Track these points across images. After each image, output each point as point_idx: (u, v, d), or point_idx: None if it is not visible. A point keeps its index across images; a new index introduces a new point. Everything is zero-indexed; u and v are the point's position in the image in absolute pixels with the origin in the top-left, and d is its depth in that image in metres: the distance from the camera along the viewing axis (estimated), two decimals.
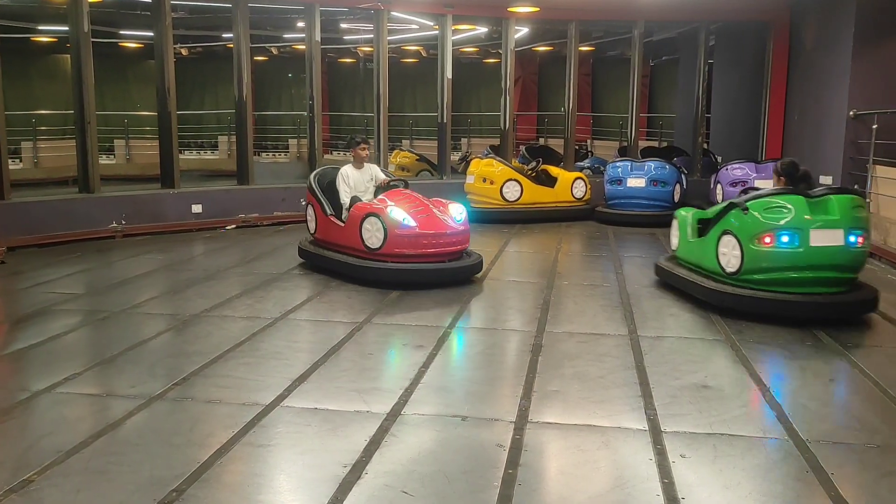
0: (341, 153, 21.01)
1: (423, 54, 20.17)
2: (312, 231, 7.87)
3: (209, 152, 20.04)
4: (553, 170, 11.72)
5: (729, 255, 5.96)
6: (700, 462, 3.49)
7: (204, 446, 3.60)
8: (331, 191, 7.67)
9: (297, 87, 21.88)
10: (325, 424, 3.87)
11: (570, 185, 11.42)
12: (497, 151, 12.63)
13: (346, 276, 7.07)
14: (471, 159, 12.42)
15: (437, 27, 12.44)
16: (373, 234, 6.86)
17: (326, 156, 17.53)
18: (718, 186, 10.98)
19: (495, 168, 11.14)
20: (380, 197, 7.29)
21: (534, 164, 11.63)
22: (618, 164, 11.59)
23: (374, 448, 3.57)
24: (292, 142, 20.16)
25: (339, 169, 7.68)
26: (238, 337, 5.35)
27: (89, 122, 9.66)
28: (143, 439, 3.71)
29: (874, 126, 8.90)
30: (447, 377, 4.72)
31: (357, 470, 3.35)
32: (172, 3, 10.48)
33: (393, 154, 15.85)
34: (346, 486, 3.21)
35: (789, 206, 5.71)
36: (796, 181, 6.05)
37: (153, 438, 3.72)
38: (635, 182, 11.01)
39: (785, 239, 5.63)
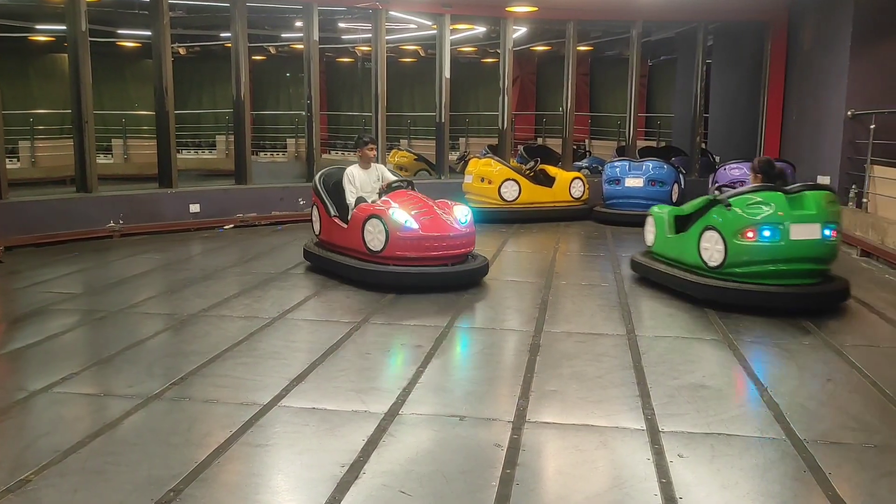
0: (339, 153, 21.02)
1: (422, 54, 20.16)
2: (317, 232, 7.76)
3: (207, 152, 20.02)
4: (551, 169, 11.73)
5: (712, 249, 6.17)
6: (698, 462, 3.49)
7: (202, 446, 3.60)
8: (336, 191, 7.54)
9: (295, 87, 21.87)
10: (322, 424, 3.87)
11: (569, 185, 11.42)
12: (495, 151, 12.64)
13: (348, 278, 6.97)
14: (469, 159, 12.42)
15: (435, 27, 12.44)
16: (375, 237, 6.74)
17: (324, 155, 17.51)
18: (720, 187, 11.00)
19: (493, 168, 11.14)
20: (383, 198, 7.12)
21: (532, 163, 11.63)
22: (616, 163, 11.60)
23: (371, 448, 3.57)
24: (290, 141, 20.12)
25: (345, 169, 7.56)
26: (236, 337, 5.35)
27: (87, 122, 9.64)
28: (141, 439, 3.71)
29: (872, 126, 8.91)
30: (445, 377, 4.72)
31: (355, 470, 3.35)
32: (170, 2, 10.49)
33: (391, 154, 15.84)
34: (343, 485, 3.21)
35: (769, 202, 5.96)
36: (773, 178, 6.32)
37: (151, 438, 3.72)
38: (633, 182, 11.02)
39: (766, 233, 5.89)
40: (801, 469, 3.41)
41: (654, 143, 17.56)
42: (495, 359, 5.20)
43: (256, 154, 18.82)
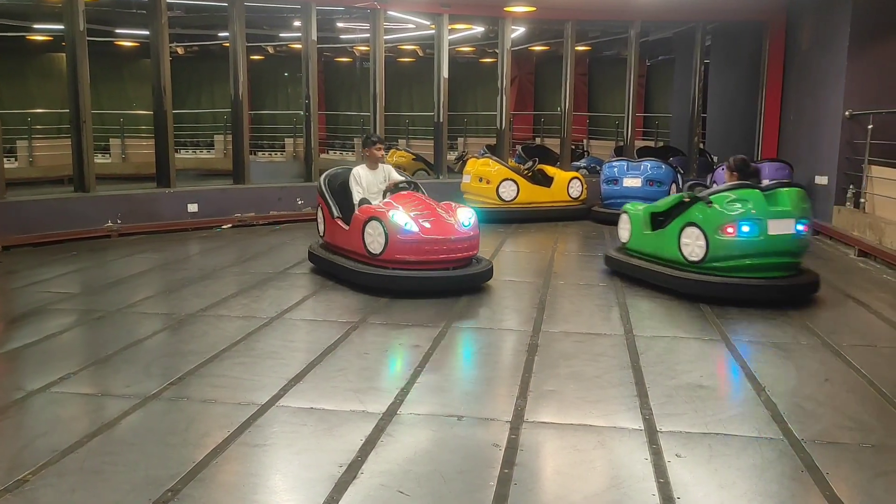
0: (338, 153, 21.01)
1: (420, 53, 20.15)
2: (321, 234, 7.64)
3: (205, 151, 20.01)
4: (549, 169, 11.73)
5: (692, 245, 6.41)
6: (695, 462, 3.49)
7: (199, 446, 3.59)
8: (342, 192, 7.40)
9: (294, 87, 21.85)
10: (320, 424, 3.87)
11: (567, 185, 11.43)
12: (493, 151, 12.64)
13: (347, 282, 6.85)
14: (467, 159, 12.42)
15: (433, 26, 12.44)
16: (374, 239, 6.60)
17: (323, 155, 17.50)
18: (714, 186, 10.98)
19: (492, 168, 11.14)
20: (385, 200, 6.98)
21: (530, 163, 11.63)
22: (614, 163, 11.60)
23: (369, 448, 3.57)
24: (288, 141, 20.11)
25: (351, 170, 7.43)
26: (234, 336, 5.34)
27: (85, 121, 9.63)
28: (139, 439, 3.70)
29: (870, 126, 8.92)
30: (443, 377, 4.71)
31: (353, 470, 3.35)
32: (168, 1, 10.47)
33: (389, 153, 15.82)
34: (341, 485, 3.21)
35: (748, 199, 6.25)
36: (748, 176, 6.59)
37: (148, 438, 3.71)
38: (631, 182, 11.03)
39: (745, 229, 6.17)
40: (798, 469, 3.42)
41: (652, 143, 17.58)
42: (493, 359, 5.21)
43: (255, 154, 18.79)
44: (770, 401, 4.19)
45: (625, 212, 7.46)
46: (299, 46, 11.96)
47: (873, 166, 8.85)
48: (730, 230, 6.18)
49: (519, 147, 15.27)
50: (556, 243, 9.54)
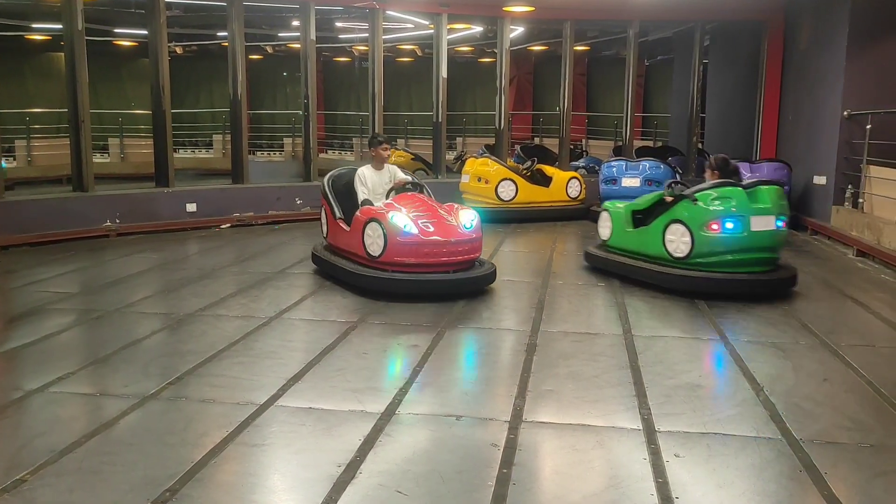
0: (336, 152, 21.01)
1: (419, 53, 20.16)
2: (324, 235, 7.56)
3: (204, 151, 20.00)
4: (548, 169, 11.73)
5: (677, 241, 6.58)
6: (694, 461, 3.49)
7: (198, 446, 3.59)
8: (346, 193, 7.29)
9: (292, 86, 21.84)
10: (319, 424, 3.87)
11: (565, 185, 11.43)
12: (492, 151, 12.66)
13: (347, 284, 6.76)
14: (466, 158, 12.43)
15: (432, 26, 12.44)
16: (374, 241, 6.48)
17: (321, 155, 17.49)
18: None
19: (490, 167, 11.14)
20: (387, 201, 6.85)
21: (529, 163, 11.64)
22: (613, 163, 11.60)
23: (368, 447, 3.57)
24: (287, 141, 20.11)
25: (356, 170, 7.31)
26: (232, 336, 5.34)
27: (83, 121, 9.63)
28: (137, 439, 3.70)
29: (868, 126, 8.93)
30: (442, 377, 4.71)
31: (351, 469, 3.35)
32: (167, 1, 10.46)
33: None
34: (340, 485, 3.21)
35: (731, 196, 6.46)
36: (729, 174, 6.78)
37: (147, 438, 3.71)
38: (630, 182, 11.03)
39: (729, 225, 6.37)
40: (796, 469, 3.42)
41: (650, 143, 17.59)
42: (492, 358, 5.21)
43: (253, 153, 18.79)
44: (768, 400, 4.20)
45: (605, 210, 7.62)
46: (298, 46, 11.97)
47: (872, 166, 8.85)
48: (714, 227, 6.38)
49: (518, 147, 15.27)
50: (554, 243, 9.54)
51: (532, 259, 8.64)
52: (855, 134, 9.44)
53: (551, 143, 15.40)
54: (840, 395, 4.37)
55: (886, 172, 8.50)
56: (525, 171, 11.41)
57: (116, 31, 16.89)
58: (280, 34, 17.63)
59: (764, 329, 5.65)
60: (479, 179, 11.13)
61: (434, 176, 12.81)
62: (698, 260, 6.49)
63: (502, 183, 10.99)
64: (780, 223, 6.57)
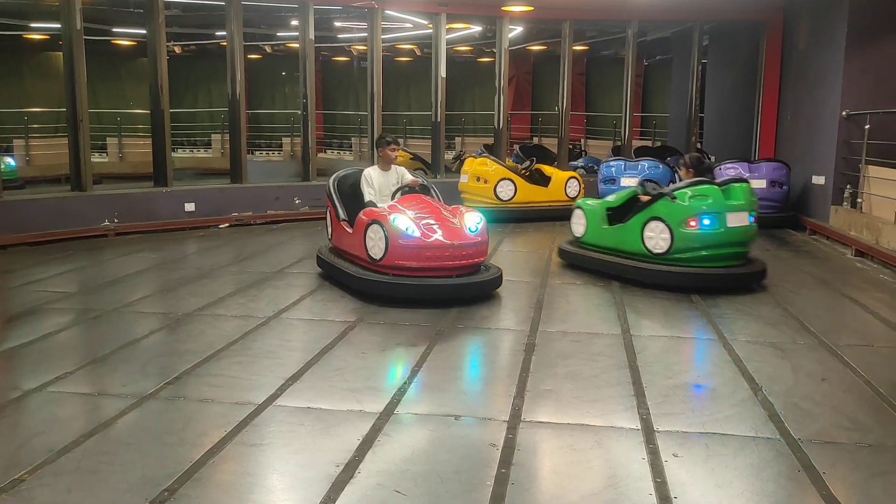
0: (335, 152, 21.00)
1: (418, 53, 20.16)
2: (329, 237, 7.39)
3: (202, 150, 19.98)
4: (547, 169, 11.73)
5: (657, 238, 6.83)
6: (692, 461, 3.49)
7: (196, 445, 3.59)
8: (352, 194, 7.12)
9: (291, 86, 21.82)
10: (318, 423, 3.87)
11: (564, 185, 11.43)
12: (491, 150, 12.65)
13: (349, 287, 6.61)
14: (465, 158, 12.42)
15: (431, 26, 12.44)
16: (376, 244, 6.29)
17: (320, 154, 17.49)
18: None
19: (489, 167, 11.14)
20: (391, 203, 6.65)
21: (528, 163, 11.64)
22: (611, 163, 11.61)
23: (367, 447, 3.56)
24: (286, 140, 20.11)
25: (362, 171, 7.15)
26: (231, 336, 5.34)
27: (82, 120, 9.62)
28: (136, 438, 3.70)
29: (867, 126, 8.94)
30: (440, 376, 4.71)
31: (350, 469, 3.35)
32: (165, 0, 10.45)
33: None
34: (338, 485, 3.21)
35: (707, 194, 6.74)
36: (703, 172, 7.07)
37: (145, 437, 3.71)
38: (629, 181, 10.99)
39: (706, 222, 6.65)
40: (795, 468, 3.42)
41: (649, 143, 17.60)
42: (491, 358, 5.21)
43: (252, 153, 18.78)
44: (767, 400, 4.20)
45: (579, 207, 7.81)
46: (297, 45, 11.96)
47: (870, 166, 8.86)
48: (693, 223, 6.65)
49: (516, 146, 15.27)
50: (553, 243, 9.51)
51: (531, 259, 8.64)
52: (853, 134, 9.45)
53: (550, 143, 15.40)
54: (838, 394, 4.37)
55: (885, 172, 8.51)
56: (524, 171, 11.41)
57: (115, 30, 16.87)
58: (279, 34, 17.62)
59: (762, 329, 5.65)
60: (478, 179, 11.12)
61: (433, 175, 12.80)
62: (677, 255, 6.74)
63: (501, 183, 10.99)
64: (752, 219, 6.89)
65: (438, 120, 12.34)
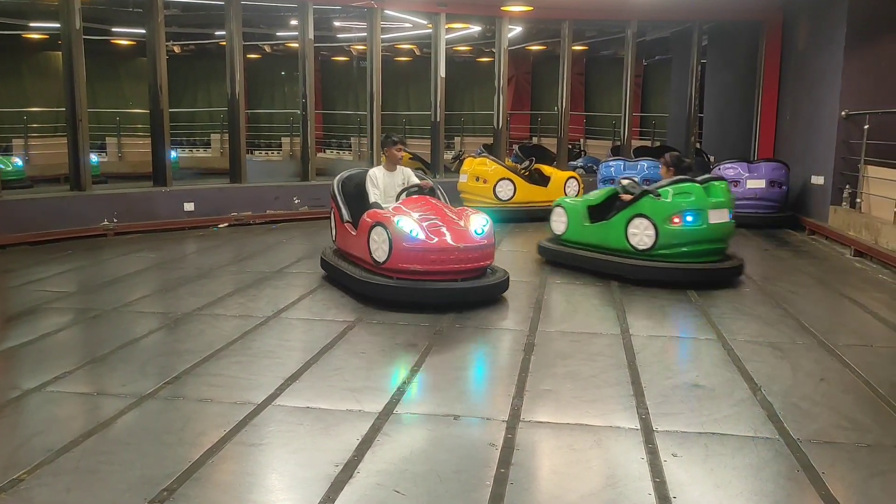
0: (335, 152, 20.99)
1: (417, 53, 20.16)
2: (333, 238, 7.26)
3: (202, 150, 19.97)
4: (546, 169, 11.73)
5: (641, 234, 7.00)
6: (691, 461, 3.49)
7: (195, 445, 3.59)
8: (357, 195, 6.98)
9: (290, 85, 21.81)
10: (317, 423, 3.87)
11: (564, 185, 11.42)
12: (490, 150, 12.65)
13: (352, 290, 6.47)
14: (464, 158, 12.42)
15: (430, 26, 12.44)
16: (379, 246, 6.12)
17: (319, 154, 17.49)
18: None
19: (488, 167, 11.14)
20: (395, 205, 6.49)
21: (527, 163, 11.63)
22: (611, 163, 11.62)
23: (366, 447, 3.56)
24: (285, 140, 20.11)
25: (367, 172, 7.00)
26: (230, 335, 5.34)
27: (81, 120, 9.62)
28: (135, 438, 3.70)
29: (866, 126, 8.94)
30: (440, 376, 4.71)
31: (349, 469, 3.35)
32: (165, 0, 10.45)
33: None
34: (337, 485, 3.21)
35: (690, 192, 6.93)
36: (683, 171, 7.26)
37: (144, 437, 3.71)
38: (627, 182, 11.01)
39: (689, 219, 6.84)
40: (794, 468, 3.42)
41: (648, 143, 17.59)
42: (490, 358, 5.21)
43: (251, 153, 18.77)
44: (766, 400, 4.20)
45: (559, 206, 7.94)
46: (296, 45, 11.95)
47: (869, 166, 8.87)
48: (676, 220, 6.84)
49: (516, 146, 15.27)
50: None
51: (530, 259, 8.63)
52: (853, 134, 9.45)
53: (549, 143, 15.40)
54: (837, 394, 4.37)
55: (884, 172, 8.51)
56: (523, 171, 11.41)
57: (114, 30, 16.85)
58: (278, 33, 17.61)
59: (761, 329, 5.66)
60: (477, 179, 11.12)
61: (432, 175, 12.80)
62: (660, 252, 6.91)
63: (500, 182, 10.98)
64: (730, 215, 7.14)
65: (438, 120, 12.34)
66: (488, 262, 6.44)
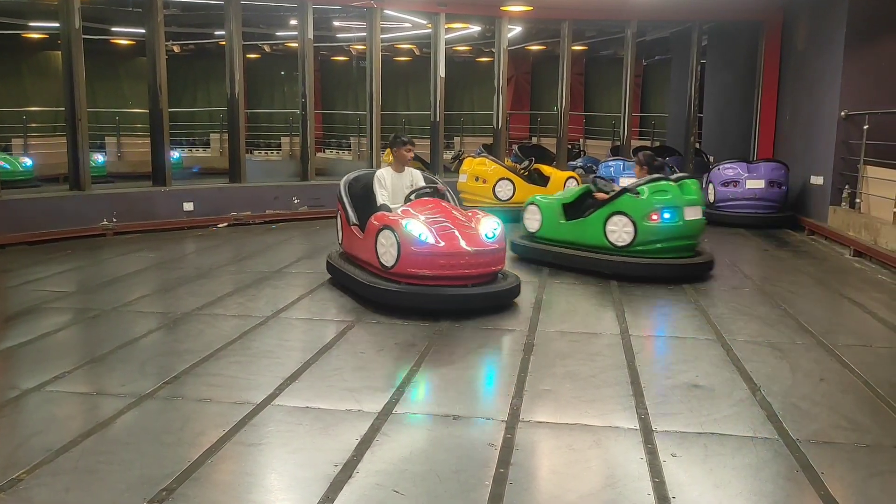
0: (334, 152, 20.99)
1: (416, 53, 20.16)
2: (339, 241, 7.12)
3: (201, 150, 19.97)
4: (546, 169, 11.72)
5: (619, 231, 7.20)
6: (691, 461, 3.49)
7: (195, 445, 3.59)
8: (362, 197, 6.86)
9: (290, 85, 21.81)
10: (316, 423, 3.87)
11: (563, 184, 11.41)
12: (490, 150, 12.64)
13: (359, 295, 6.34)
14: (463, 158, 12.42)
15: (430, 26, 12.43)
16: (387, 250, 5.96)
17: (319, 154, 17.48)
18: (710, 186, 11.00)
19: (488, 167, 11.14)
20: (403, 207, 6.33)
21: (526, 163, 11.63)
22: (610, 163, 11.62)
23: (365, 447, 3.56)
24: (284, 140, 20.11)
25: (374, 173, 6.87)
26: (229, 335, 5.34)
27: (80, 120, 9.61)
28: (134, 438, 3.70)
29: (865, 126, 8.94)
30: (439, 376, 4.71)
31: (348, 469, 3.35)
32: (164, 0, 10.45)
33: (386, 153, 15.81)
34: (337, 485, 3.21)
35: (666, 190, 7.15)
36: (656, 170, 7.50)
37: (143, 437, 3.71)
38: (628, 181, 11.01)
39: (667, 216, 7.06)
40: (793, 468, 3.42)
41: (648, 143, 17.60)
42: (489, 358, 5.21)
43: (250, 152, 18.77)
44: (765, 400, 4.20)
45: (533, 203, 8.09)
46: (296, 45, 11.94)
47: (868, 166, 8.87)
48: (654, 217, 7.04)
49: (515, 146, 15.27)
50: None
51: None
52: (852, 134, 9.45)
53: (549, 143, 15.40)
54: (837, 395, 4.37)
55: (883, 173, 8.51)
56: (522, 171, 11.40)
57: (114, 29, 16.86)
58: (278, 33, 17.61)
59: (761, 329, 5.66)
60: (477, 179, 11.12)
61: (432, 175, 12.79)
62: (638, 248, 7.12)
63: (500, 182, 10.98)
64: (702, 213, 7.41)
65: (437, 120, 12.33)
66: (500, 267, 6.27)
